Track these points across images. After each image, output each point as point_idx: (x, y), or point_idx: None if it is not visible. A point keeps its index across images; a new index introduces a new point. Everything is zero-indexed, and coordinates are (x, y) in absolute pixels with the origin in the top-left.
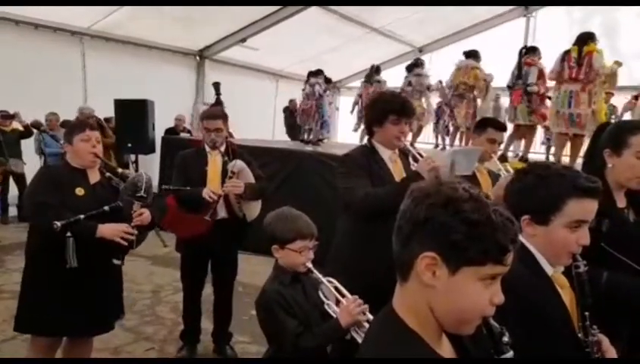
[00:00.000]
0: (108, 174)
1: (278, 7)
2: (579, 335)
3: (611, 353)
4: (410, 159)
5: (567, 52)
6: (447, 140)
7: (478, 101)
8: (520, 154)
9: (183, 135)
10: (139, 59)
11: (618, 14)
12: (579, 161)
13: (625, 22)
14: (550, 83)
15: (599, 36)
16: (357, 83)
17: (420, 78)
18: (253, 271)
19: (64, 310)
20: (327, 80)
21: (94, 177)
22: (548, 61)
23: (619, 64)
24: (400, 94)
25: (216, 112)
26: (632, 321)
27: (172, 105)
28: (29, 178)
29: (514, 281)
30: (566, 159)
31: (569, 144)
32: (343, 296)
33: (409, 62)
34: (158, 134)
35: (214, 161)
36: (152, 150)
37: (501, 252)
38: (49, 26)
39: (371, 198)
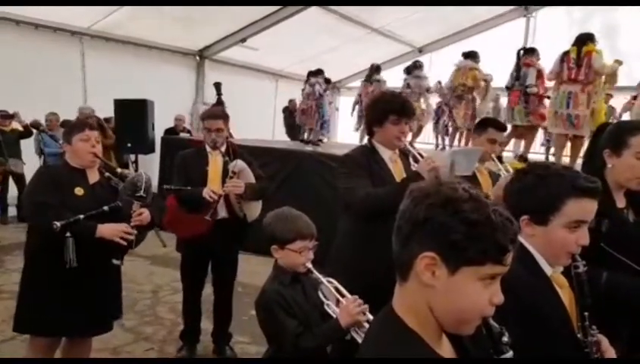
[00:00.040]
0: (107, 174)
1: (278, 7)
2: (578, 335)
3: (610, 353)
4: (410, 159)
5: (566, 53)
6: (447, 140)
7: (477, 101)
8: (519, 154)
9: (182, 135)
10: (139, 59)
11: (618, 14)
12: (579, 161)
13: (625, 22)
14: (549, 84)
15: (599, 36)
16: (357, 83)
17: (419, 80)
18: (253, 271)
19: (63, 310)
20: (327, 81)
21: (93, 177)
22: (548, 61)
23: (619, 62)
24: (401, 94)
25: (217, 112)
26: (631, 322)
27: (172, 105)
28: (28, 178)
29: (513, 281)
30: (566, 160)
31: (569, 144)
32: (343, 296)
33: (408, 62)
34: (158, 134)
35: (215, 161)
36: (152, 150)
37: (500, 252)
38: (49, 26)
39: (371, 198)
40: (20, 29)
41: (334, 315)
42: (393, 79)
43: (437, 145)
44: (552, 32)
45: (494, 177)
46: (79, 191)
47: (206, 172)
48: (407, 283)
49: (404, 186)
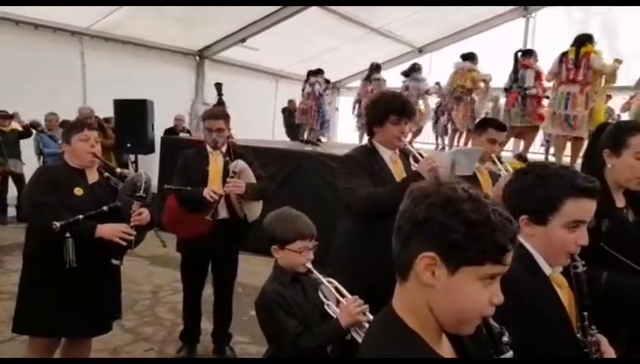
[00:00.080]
0: (106, 174)
1: (278, 7)
2: (578, 335)
3: (610, 353)
4: (411, 159)
5: (565, 54)
6: (446, 140)
7: (476, 103)
8: (517, 153)
9: (182, 135)
10: (139, 59)
11: (617, 14)
12: (580, 161)
13: (625, 22)
14: (548, 84)
15: (598, 36)
16: (357, 83)
17: (417, 83)
18: (253, 271)
19: (62, 310)
20: (326, 81)
21: (92, 177)
22: (548, 61)
23: (619, 61)
24: (401, 94)
25: (218, 112)
26: (631, 322)
27: (172, 105)
28: (28, 178)
29: (512, 281)
30: (567, 160)
31: (569, 145)
32: (343, 296)
33: (409, 62)
34: (158, 134)
35: (216, 162)
36: (152, 150)
37: (500, 251)
38: (49, 26)
39: (371, 198)
40: (20, 29)
41: (334, 315)
42: (393, 79)
43: (436, 146)
44: (551, 33)
45: (494, 177)
46: (78, 191)
47: (207, 172)
48: (407, 283)
49: (404, 186)
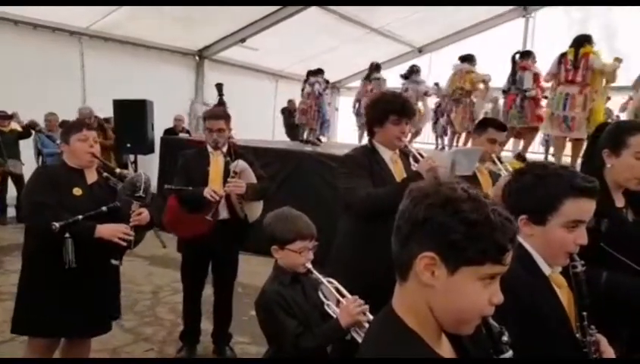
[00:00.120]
0: (105, 175)
1: (278, 7)
2: (577, 335)
3: (609, 352)
4: (411, 159)
5: (563, 55)
6: (446, 141)
7: (477, 101)
8: (516, 153)
9: (182, 135)
10: (138, 59)
11: (617, 14)
12: (580, 161)
13: (624, 22)
14: (546, 85)
15: (598, 36)
16: (357, 83)
17: (416, 85)
18: (253, 271)
19: (62, 311)
20: (326, 81)
21: (91, 177)
22: (548, 61)
23: (619, 60)
24: (401, 94)
25: (219, 112)
26: (631, 322)
27: (171, 105)
28: (27, 179)
29: (512, 281)
30: (567, 159)
31: (569, 145)
32: (343, 296)
33: (408, 62)
34: (157, 134)
35: (217, 162)
36: (151, 150)
37: (500, 251)
38: (48, 26)
39: (371, 198)
40: (19, 29)
41: (334, 315)
42: (393, 79)
43: (436, 146)
44: (551, 33)
45: (494, 176)
46: (77, 191)
47: (207, 172)
48: (407, 283)
49: (404, 186)
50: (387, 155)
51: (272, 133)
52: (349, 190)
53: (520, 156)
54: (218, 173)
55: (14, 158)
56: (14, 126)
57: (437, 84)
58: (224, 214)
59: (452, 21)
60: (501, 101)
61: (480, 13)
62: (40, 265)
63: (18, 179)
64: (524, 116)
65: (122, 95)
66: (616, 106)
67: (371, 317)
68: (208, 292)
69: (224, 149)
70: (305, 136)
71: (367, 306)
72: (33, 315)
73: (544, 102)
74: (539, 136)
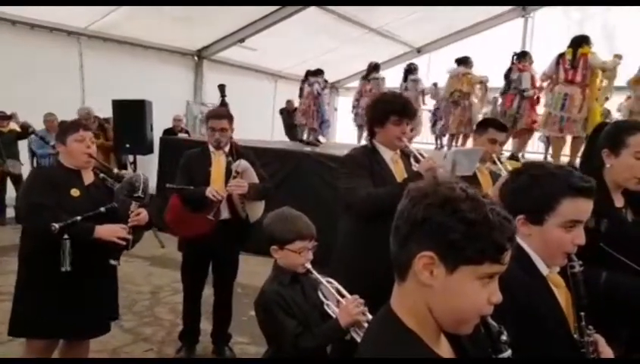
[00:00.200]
0: (102, 175)
1: (277, 7)
2: (575, 335)
3: (607, 353)
4: (411, 159)
5: (562, 55)
6: (445, 141)
7: (475, 104)
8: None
9: (181, 135)
10: (137, 59)
11: (616, 14)
12: (578, 161)
13: (623, 22)
14: (543, 84)
15: (597, 36)
16: (355, 84)
17: (415, 83)
18: (252, 271)
19: (60, 312)
20: (324, 81)
21: (88, 177)
22: (547, 61)
23: (619, 57)
24: (402, 95)
25: (221, 112)
26: (630, 322)
27: (170, 105)
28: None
29: (509, 281)
30: (566, 160)
31: (568, 143)
32: (342, 296)
33: (407, 62)
34: (157, 135)
35: (218, 162)
36: (151, 151)
37: (498, 251)
38: (46, 26)
39: (372, 198)
40: (17, 29)
41: (334, 315)
42: (392, 79)
43: (436, 146)
44: (550, 33)
45: (495, 176)
46: (75, 192)
47: (209, 172)
48: (405, 283)
49: (405, 187)
50: (388, 155)
51: (271, 133)
52: (350, 190)
53: (513, 157)
54: (219, 173)
55: (12, 159)
56: (13, 126)
57: (435, 84)
58: (225, 214)
59: (451, 21)
60: (500, 102)
61: (479, 13)
62: (38, 266)
63: (17, 179)
64: (521, 117)
65: (121, 95)
66: (615, 106)
67: (370, 317)
68: (207, 292)
69: (226, 149)
70: (304, 136)
71: (366, 307)
72: (31, 316)
73: (540, 105)
74: (539, 135)
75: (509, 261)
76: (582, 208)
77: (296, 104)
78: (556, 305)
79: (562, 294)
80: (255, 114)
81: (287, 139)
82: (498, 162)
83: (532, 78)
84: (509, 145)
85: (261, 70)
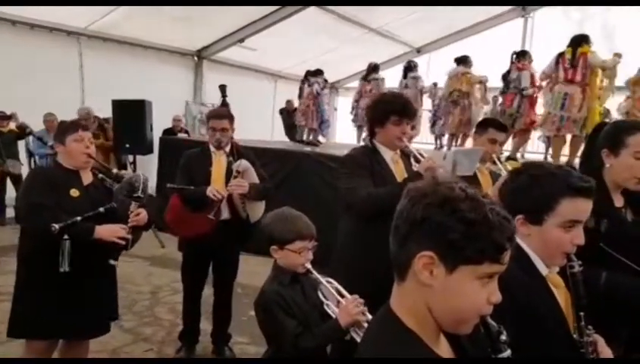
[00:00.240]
0: (100, 176)
1: (276, 7)
2: (574, 336)
3: (606, 353)
4: (412, 160)
5: (561, 54)
6: (445, 141)
7: (474, 106)
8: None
9: (180, 135)
10: (137, 59)
11: (616, 14)
12: (577, 160)
13: (623, 22)
14: (542, 84)
15: (597, 36)
16: (355, 84)
17: (415, 81)
18: (252, 271)
19: (59, 312)
20: (324, 81)
21: (87, 178)
22: (547, 61)
23: (619, 55)
24: (402, 95)
25: (223, 112)
26: (631, 322)
27: (170, 105)
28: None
29: (509, 281)
30: (565, 160)
31: (568, 142)
32: (342, 296)
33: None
34: (156, 135)
35: (219, 162)
36: (150, 151)
37: (498, 250)
38: (45, 26)
39: (372, 198)
40: (17, 29)
41: (334, 316)
42: (391, 79)
43: (435, 146)
44: (550, 33)
45: (495, 176)
46: (74, 192)
47: (210, 172)
48: (405, 283)
49: (405, 187)
50: (388, 155)
51: (271, 133)
52: (350, 190)
53: (509, 158)
54: (220, 173)
55: (12, 159)
56: (13, 126)
57: (435, 84)
58: (225, 214)
59: (451, 21)
60: (500, 101)
61: (479, 13)
62: (37, 266)
63: (17, 179)
64: (520, 116)
65: (121, 95)
66: (614, 106)
67: (370, 317)
68: (207, 292)
69: (227, 149)
70: (304, 136)
71: (366, 307)
72: (31, 317)
73: (539, 105)
74: (539, 135)
75: (509, 261)
76: (582, 208)
77: (296, 104)
78: (555, 306)
79: (561, 294)
80: (255, 114)
81: (287, 139)
82: (498, 162)
83: (532, 77)
84: (507, 146)
85: (261, 70)
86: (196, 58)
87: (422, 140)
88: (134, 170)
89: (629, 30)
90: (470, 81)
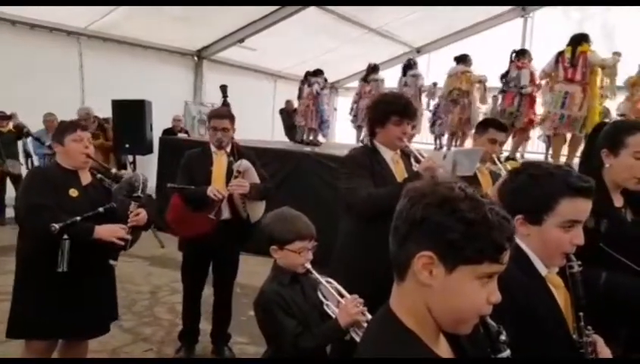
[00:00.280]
0: (99, 176)
1: (276, 7)
2: (574, 336)
3: (605, 353)
4: (412, 160)
5: (561, 53)
6: (444, 141)
7: (474, 105)
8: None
9: (180, 135)
10: (137, 59)
11: (615, 14)
12: (577, 160)
13: (623, 22)
14: (542, 82)
15: (597, 36)
16: (355, 84)
17: (415, 79)
18: (251, 271)
19: (59, 312)
20: (324, 80)
21: (85, 178)
22: (546, 61)
23: (618, 54)
24: (403, 95)
25: (224, 112)
26: (630, 322)
27: (170, 105)
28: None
29: (508, 281)
30: (564, 160)
31: (567, 141)
32: (342, 296)
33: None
34: (156, 135)
35: (220, 161)
36: (150, 151)
37: (497, 250)
38: (45, 26)
39: (373, 198)
40: (17, 29)
41: (333, 316)
42: (391, 79)
43: (435, 146)
44: (550, 33)
45: (495, 176)
46: (73, 192)
47: (210, 172)
48: (404, 283)
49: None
50: (389, 155)
51: (271, 133)
52: (351, 190)
53: (509, 158)
54: (220, 172)
55: (12, 159)
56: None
57: (435, 84)
58: (226, 214)
59: (450, 21)
60: (500, 100)
61: (478, 13)
62: (37, 266)
63: (17, 179)
64: (520, 115)
65: (120, 95)
66: (614, 106)
67: (370, 317)
68: (206, 292)
69: (228, 149)
70: (304, 136)
71: (366, 307)
72: (30, 317)
73: (538, 104)
74: (539, 135)
75: (508, 261)
76: (581, 208)
77: (295, 105)
78: (554, 306)
79: (561, 295)
80: (254, 114)
81: (286, 139)
82: (498, 162)
83: (532, 75)
84: (507, 146)
85: (261, 70)
86: (195, 58)
87: (422, 140)
88: (134, 170)
89: (629, 30)
90: (470, 80)
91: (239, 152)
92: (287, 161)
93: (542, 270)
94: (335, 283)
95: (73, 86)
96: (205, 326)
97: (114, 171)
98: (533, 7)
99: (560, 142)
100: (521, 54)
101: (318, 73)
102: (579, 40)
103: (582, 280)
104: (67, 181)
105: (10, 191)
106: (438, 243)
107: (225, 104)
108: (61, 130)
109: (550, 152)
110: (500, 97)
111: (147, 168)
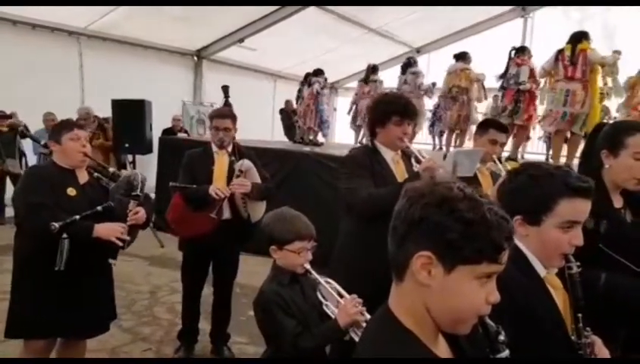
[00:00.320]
0: (96, 175)
1: (276, 7)
2: (572, 337)
3: (604, 354)
4: (412, 160)
5: (560, 51)
6: (443, 141)
7: (473, 103)
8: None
9: (180, 135)
10: (137, 59)
11: (615, 14)
12: (577, 161)
13: (623, 22)
14: (541, 80)
15: (597, 36)
16: (355, 84)
17: (415, 77)
18: (251, 271)
19: (58, 311)
20: (324, 80)
21: (82, 177)
22: (545, 60)
23: (618, 52)
24: (403, 95)
25: (225, 111)
26: (630, 323)
27: (169, 105)
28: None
29: (507, 282)
30: (563, 160)
31: (565, 145)
32: (341, 296)
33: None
34: (156, 134)
35: (221, 161)
36: (150, 150)
37: (496, 250)
38: (46, 26)
39: (373, 198)
40: (17, 29)
41: (333, 316)
42: (391, 79)
43: (434, 146)
44: (550, 33)
45: (495, 177)
46: (71, 191)
47: (212, 172)
48: (403, 283)
49: None
50: (389, 155)
51: (271, 133)
52: (351, 191)
53: (509, 158)
54: (222, 172)
55: (12, 158)
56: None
57: (434, 84)
58: (226, 214)
59: (450, 21)
60: (500, 98)
61: (479, 13)
62: (35, 265)
63: (16, 178)
64: (520, 112)
65: (120, 95)
66: (613, 105)
67: (369, 317)
68: (205, 292)
69: (229, 149)
70: (304, 136)
71: (365, 307)
72: (29, 316)
73: (538, 101)
74: (539, 135)
75: (507, 261)
76: (580, 208)
77: (295, 106)
78: (553, 307)
79: (559, 295)
80: (254, 114)
81: (286, 139)
82: (498, 163)
83: (531, 71)
84: (507, 146)
85: (261, 70)
86: (195, 58)
87: (422, 140)
88: (133, 169)
89: (629, 30)
90: (469, 77)
91: (240, 152)
92: (287, 161)
93: (541, 271)
94: (334, 284)
95: (73, 86)
96: (205, 326)
97: (111, 169)
98: (533, 7)
99: (561, 140)
100: (520, 52)
101: (318, 73)
102: (579, 38)
103: (581, 282)
104: (65, 180)
105: (10, 191)
106: (437, 242)
107: (227, 104)
108: (58, 128)
109: (551, 153)
110: (500, 95)
111: (147, 168)
